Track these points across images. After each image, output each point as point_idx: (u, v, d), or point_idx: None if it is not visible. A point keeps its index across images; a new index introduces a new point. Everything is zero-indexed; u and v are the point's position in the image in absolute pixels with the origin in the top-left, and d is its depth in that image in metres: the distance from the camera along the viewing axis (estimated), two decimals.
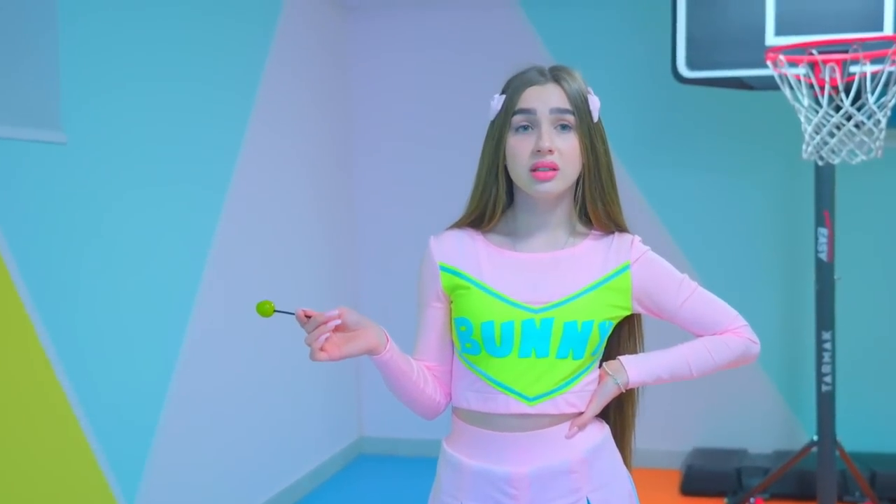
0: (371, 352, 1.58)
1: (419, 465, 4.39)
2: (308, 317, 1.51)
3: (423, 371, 1.70)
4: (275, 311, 1.52)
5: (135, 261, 3.32)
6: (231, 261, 3.96)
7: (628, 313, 1.71)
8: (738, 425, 4.85)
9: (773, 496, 4.33)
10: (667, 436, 4.86)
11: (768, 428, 4.82)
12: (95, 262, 3.12)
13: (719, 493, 4.41)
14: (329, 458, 4.91)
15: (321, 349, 1.51)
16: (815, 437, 3.83)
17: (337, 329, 1.53)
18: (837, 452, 3.82)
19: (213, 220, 3.85)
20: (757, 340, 1.76)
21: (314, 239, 4.84)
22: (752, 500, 4.18)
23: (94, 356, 3.10)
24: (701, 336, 1.74)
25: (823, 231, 3.78)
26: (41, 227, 2.88)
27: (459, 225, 1.74)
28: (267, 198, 4.32)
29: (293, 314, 1.52)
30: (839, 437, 3.86)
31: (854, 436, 4.39)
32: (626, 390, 1.71)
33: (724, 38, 3.92)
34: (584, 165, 1.66)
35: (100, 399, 3.10)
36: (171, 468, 3.50)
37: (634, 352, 1.76)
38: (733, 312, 1.75)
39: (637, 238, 1.73)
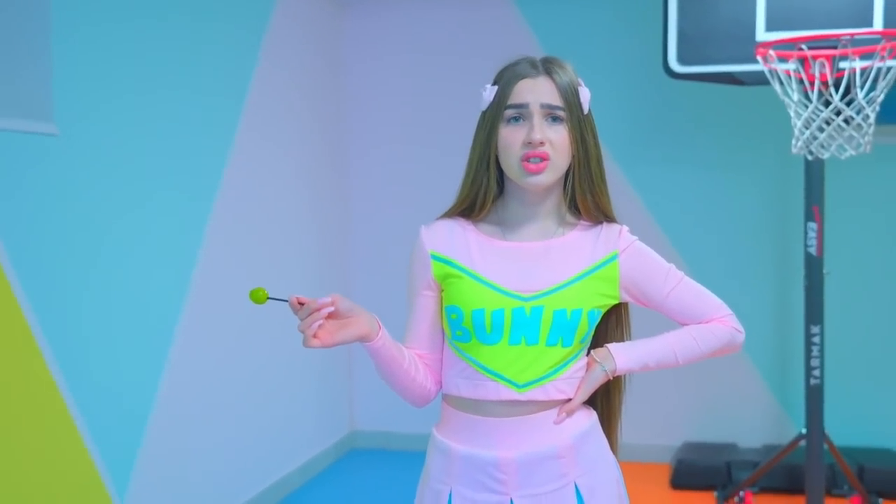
0: (363, 339, 1.59)
1: (411, 458, 4.39)
2: (301, 304, 1.53)
3: (414, 359, 1.72)
4: (268, 298, 1.54)
5: (126, 252, 3.32)
6: (223, 254, 3.97)
7: (616, 302, 1.74)
8: (727, 420, 4.88)
9: (763, 489, 4.36)
10: (657, 430, 4.88)
11: (758, 422, 4.85)
12: (87, 253, 3.13)
13: (709, 487, 4.43)
14: (321, 452, 4.92)
15: (314, 336, 1.53)
16: (804, 431, 3.86)
17: (330, 316, 1.55)
18: (826, 446, 3.85)
19: (204, 213, 3.86)
20: (742, 329, 1.78)
21: (307, 238, 4.84)
22: (741, 493, 4.21)
23: (85, 348, 3.10)
24: (687, 325, 1.77)
25: (813, 226, 3.81)
26: (32, 218, 2.88)
27: (450, 214, 1.76)
28: (258, 192, 4.32)
29: (286, 301, 1.54)
30: (827, 431, 3.89)
31: (842, 430, 4.42)
32: (614, 377, 1.74)
33: (714, 34, 3.95)
34: (573, 157, 1.68)
35: (91, 391, 3.11)
36: (163, 461, 3.51)
37: (622, 340, 1.78)
38: (718, 302, 1.78)
39: (625, 228, 1.75)
